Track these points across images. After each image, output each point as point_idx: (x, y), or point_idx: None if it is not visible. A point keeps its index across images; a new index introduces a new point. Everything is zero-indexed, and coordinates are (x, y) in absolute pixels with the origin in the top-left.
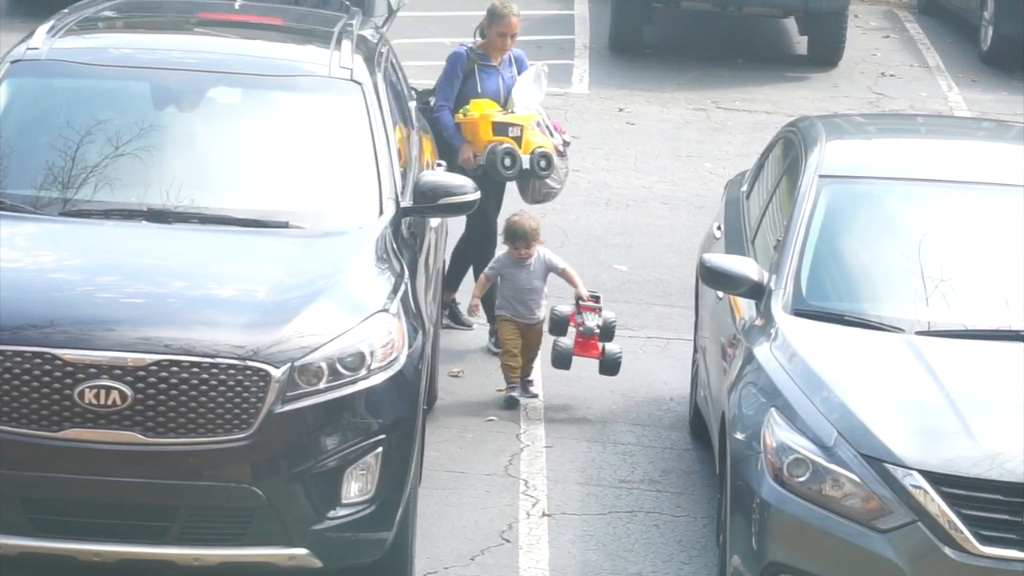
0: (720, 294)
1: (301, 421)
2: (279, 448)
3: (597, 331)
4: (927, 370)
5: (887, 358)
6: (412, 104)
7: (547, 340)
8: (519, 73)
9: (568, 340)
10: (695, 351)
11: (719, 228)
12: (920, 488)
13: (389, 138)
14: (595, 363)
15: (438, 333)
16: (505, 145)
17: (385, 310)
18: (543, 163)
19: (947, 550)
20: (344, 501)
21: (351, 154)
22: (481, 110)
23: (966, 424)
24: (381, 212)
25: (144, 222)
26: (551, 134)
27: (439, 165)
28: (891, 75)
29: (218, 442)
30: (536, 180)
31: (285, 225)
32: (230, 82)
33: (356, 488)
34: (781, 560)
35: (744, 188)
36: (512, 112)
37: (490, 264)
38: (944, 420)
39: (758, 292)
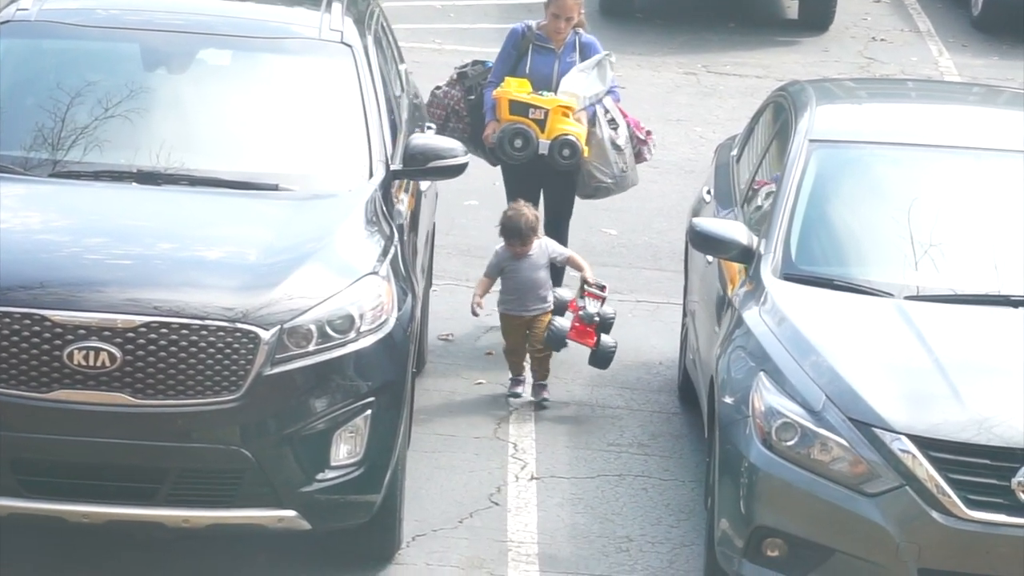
0: (709, 258)
1: (290, 383)
2: (268, 410)
3: (597, 319)
4: (916, 335)
5: (876, 323)
6: (403, 67)
7: None
8: (583, 61)
9: (565, 321)
10: (684, 315)
11: (709, 192)
12: (908, 452)
13: (379, 101)
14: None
15: (428, 296)
16: (518, 125)
17: (375, 273)
18: (566, 151)
19: (935, 514)
20: (333, 464)
21: (341, 117)
22: (509, 88)
23: (955, 389)
24: (371, 175)
25: (134, 184)
26: (604, 126)
27: (428, 128)
28: (882, 40)
29: (207, 404)
30: (580, 171)
31: (275, 187)
32: (220, 44)
33: (345, 451)
34: (769, 524)
35: (734, 152)
36: (544, 95)
37: (489, 262)
38: (932, 385)
39: (747, 256)
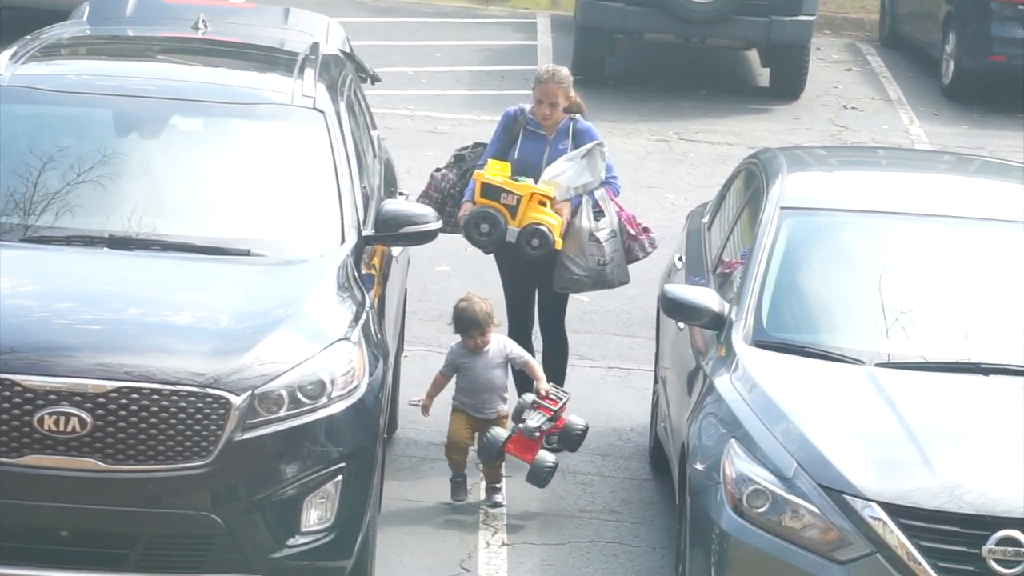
0: (681, 325)
1: (261, 449)
2: (239, 476)
3: (538, 435)
4: (887, 402)
5: (847, 390)
6: (375, 133)
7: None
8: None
9: (503, 431)
10: (656, 382)
11: (680, 259)
12: (879, 519)
13: (351, 167)
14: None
15: (399, 362)
16: (487, 210)
17: (346, 338)
18: (535, 241)
19: None
20: (304, 529)
21: (313, 182)
22: (490, 169)
23: (925, 456)
24: (343, 240)
25: (105, 249)
26: (586, 216)
27: (400, 194)
28: (853, 108)
29: (178, 469)
30: (553, 264)
31: (247, 253)
32: (193, 110)
33: (315, 516)
34: None
35: (706, 219)
36: (520, 180)
37: (445, 357)
38: (903, 452)
39: (719, 323)
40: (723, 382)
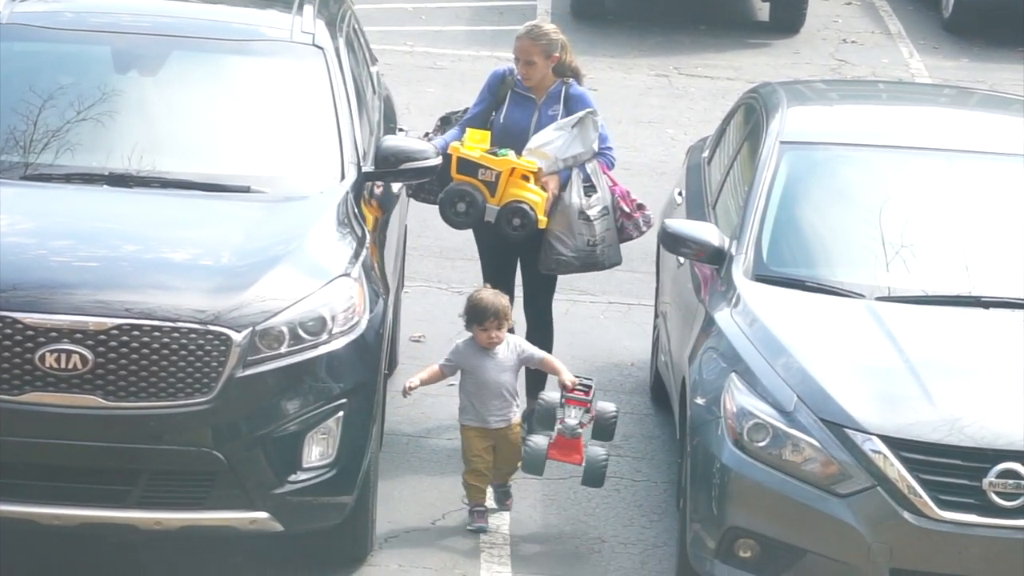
0: (681, 260)
1: (262, 385)
2: (240, 412)
3: (580, 431)
4: (887, 336)
5: (847, 324)
6: (375, 69)
7: None
8: (569, 115)
9: (543, 439)
10: (656, 316)
11: (680, 194)
12: (880, 453)
13: (351, 103)
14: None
15: (399, 298)
16: (464, 187)
17: (347, 275)
18: (516, 220)
19: (906, 515)
20: (305, 465)
21: (313, 119)
22: (473, 140)
23: (926, 389)
24: (343, 177)
25: (105, 186)
26: (576, 192)
27: (400, 130)
28: (853, 42)
29: (179, 406)
30: (539, 242)
31: (247, 190)
32: (192, 47)
33: (317, 452)
34: (741, 524)
35: (706, 154)
36: (501, 154)
37: (448, 353)
38: (904, 385)
39: (719, 258)
40: (723, 317)
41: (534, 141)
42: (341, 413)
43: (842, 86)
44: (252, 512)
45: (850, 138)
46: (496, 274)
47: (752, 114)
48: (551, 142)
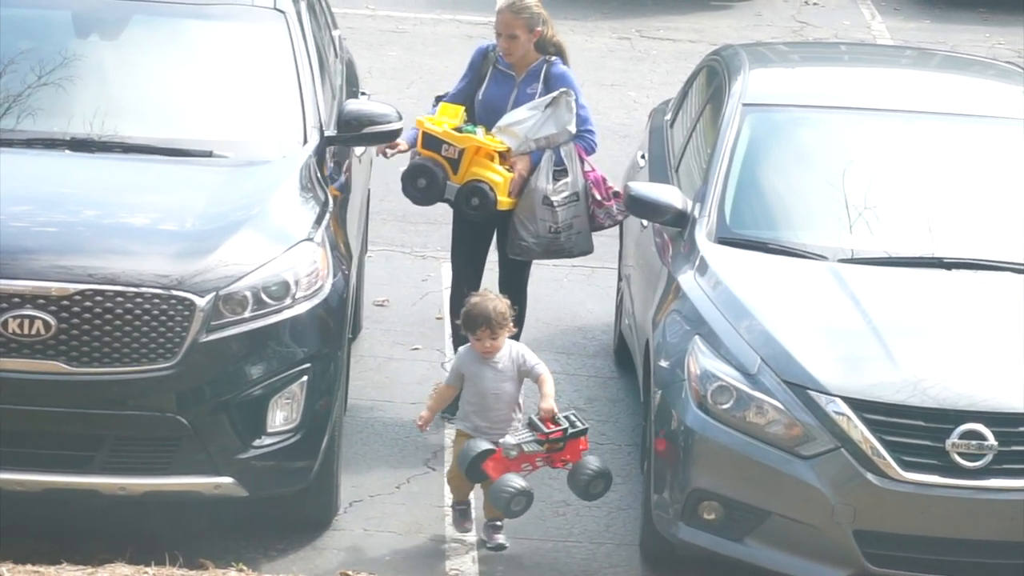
0: (644, 223)
1: (226, 350)
2: (204, 377)
3: (515, 454)
4: (850, 297)
5: (810, 286)
6: (336, 33)
7: None
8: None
9: (482, 443)
10: (619, 279)
11: (643, 157)
12: (843, 415)
13: (313, 67)
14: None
15: (363, 262)
16: (426, 162)
17: (310, 239)
18: (474, 200)
19: (870, 476)
20: (269, 430)
21: (275, 83)
22: (445, 115)
23: (888, 351)
24: (305, 141)
25: (67, 151)
26: (544, 176)
27: (362, 94)
28: (814, 4)
29: (143, 371)
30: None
31: (209, 154)
32: (154, 11)
33: (281, 417)
34: (705, 487)
35: (668, 117)
36: (467, 130)
37: (451, 364)
38: (867, 347)
39: (682, 220)
40: (687, 279)
41: (505, 120)
42: (305, 378)
43: (804, 48)
44: (216, 477)
45: (812, 100)
46: (464, 258)
47: (714, 77)
48: (522, 121)
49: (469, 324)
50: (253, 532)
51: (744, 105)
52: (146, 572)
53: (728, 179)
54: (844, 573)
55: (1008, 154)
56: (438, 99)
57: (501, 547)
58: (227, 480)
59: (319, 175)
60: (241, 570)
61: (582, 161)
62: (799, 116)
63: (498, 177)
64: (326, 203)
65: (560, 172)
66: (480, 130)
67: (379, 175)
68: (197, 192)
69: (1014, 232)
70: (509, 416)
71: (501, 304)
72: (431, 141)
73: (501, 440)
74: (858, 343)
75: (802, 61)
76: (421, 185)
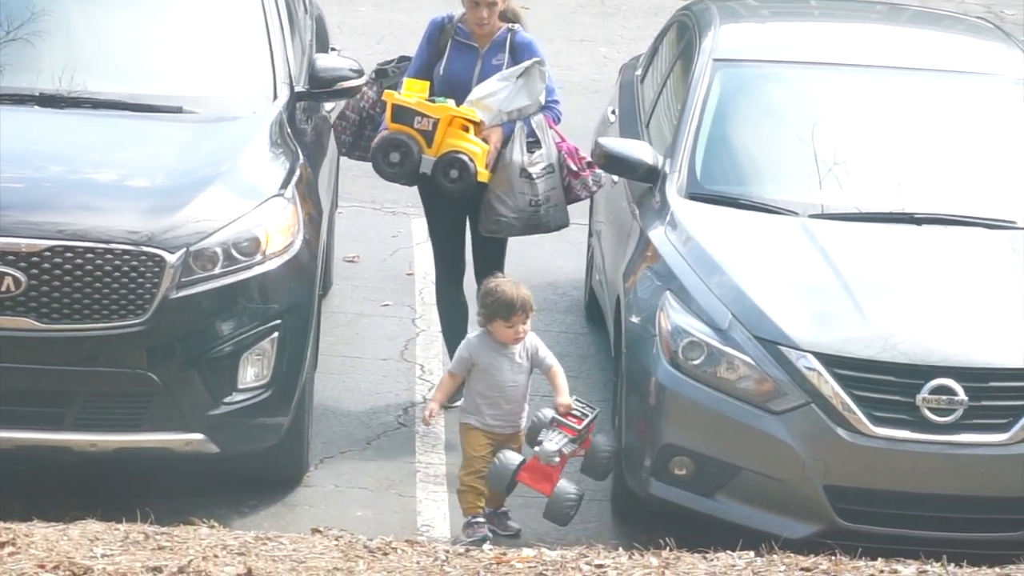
0: (615, 178)
1: (196, 306)
2: (175, 334)
3: (557, 460)
4: (820, 253)
5: (781, 241)
6: None
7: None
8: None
9: (515, 456)
10: (590, 235)
11: (613, 112)
12: (814, 370)
13: (283, 23)
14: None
15: (333, 218)
16: (399, 136)
17: (280, 195)
18: (453, 172)
19: (840, 431)
20: (240, 386)
21: (245, 39)
22: (411, 89)
23: (859, 306)
24: (275, 97)
25: (36, 107)
26: (518, 148)
27: (333, 50)
28: None
29: (113, 328)
30: (482, 199)
31: (179, 110)
32: None
33: (252, 373)
34: (676, 442)
35: (639, 72)
36: (439, 102)
37: (458, 352)
38: (837, 303)
39: (653, 176)
40: (658, 235)
41: (476, 92)
42: (276, 334)
43: (774, 3)
44: (187, 434)
45: (783, 55)
46: (446, 240)
47: (685, 32)
48: (494, 93)
49: (505, 309)
50: (224, 489)
51: (715, 60)
52: (117, 529)
53: (699, 134)
54: (814, 528)
55: (979, 109)
56: (378, 72)
57: (518, 532)
58: (198, 437)
59: (290, 131)
60: (212, 526)
61: (553, 132)
62: (770, 71)
63: (476, 148)
64: (296, 159)
65: (533, 144)
66: (451, 101)
67: None
68: (167, 148)
69: (984, 187)
70: (521, 409)
71: (526, 288)
72: (403, 113)
73: (538, 450)
74: (829, 299)
75: (773, 16)
76: (395, 159)
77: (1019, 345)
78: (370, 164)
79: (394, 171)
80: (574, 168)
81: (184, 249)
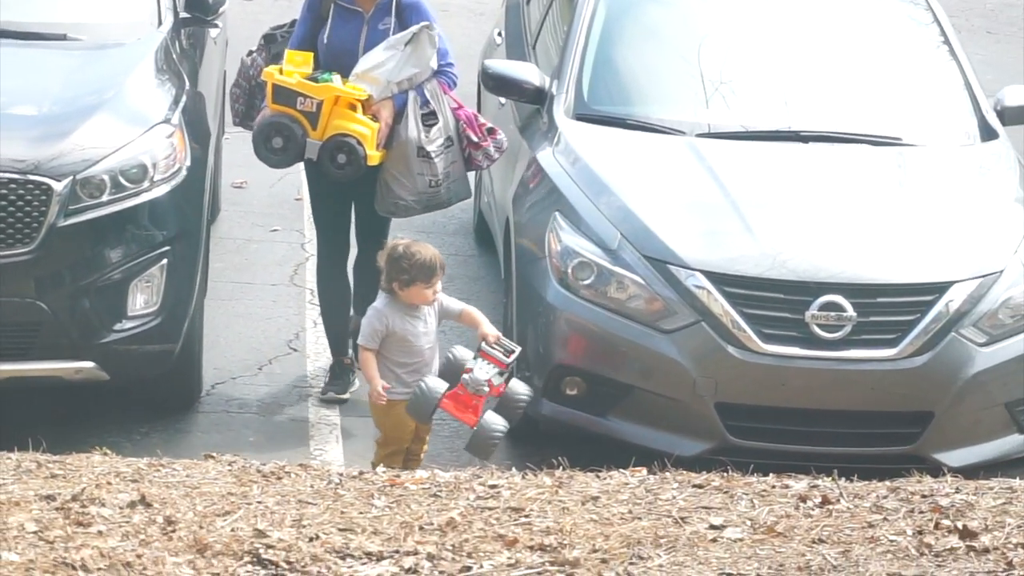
0: (503, 100)
1: (84, 234)
2: (63, 262)
3: (486, 390)
4: (708, 172)
5: (669, 161)
6: None
7: None
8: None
9: (440, 385)
10: None
11: (500, 34)
12: (703, 288)
13: None
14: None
15: (220, 144)
16: (281, 119)
17: (167, 121)
18: (341, 157)
19: (730, 349)
20: (130, 314)
21: None
22: (293, 63)
23: (747, 224)
24: (160, 23)
25: None
26: (413, 124)
27: None
28: None
29: (1, 257)
30: (378, 180)
31: (63, 37)
32: None
33: (142, 300)
34: (567, 363)
35: None
36: (323, 79)
37: (366, 323)
38: (726, 221)
39: (540, 97)
40: (546, 156)
41: (362, 64)
42: (165, 261)
43: None
44: (78, 362)
45: None
46: (330, 219)
47: None
48: (381, 64)
49: (426, 272)
50: (117, 416)
51: None
52: (9, 459)
53: (585, 55)
54: (706, 445)
55: (864, 25)
56: (266, 38)
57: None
58: (88, 365)
59: (175, 57)
60: (106, 454)
61: (448, 98)
62: None
63: (364, 129)
64: (182, 85)
65: (429, 116)
66: (336, 77)
67: (234, 57)
68: (52, 76)
69: (870, 105)
70: (434, 365)
71: (434, 250)
72: (284, 94)
73: (465, 377)
74: (717, 217)
75: None
76: (277, 145)
77: (906, 261)
78: None
79: (277, 157)
80: (474, 139)
81: (71, 177)
